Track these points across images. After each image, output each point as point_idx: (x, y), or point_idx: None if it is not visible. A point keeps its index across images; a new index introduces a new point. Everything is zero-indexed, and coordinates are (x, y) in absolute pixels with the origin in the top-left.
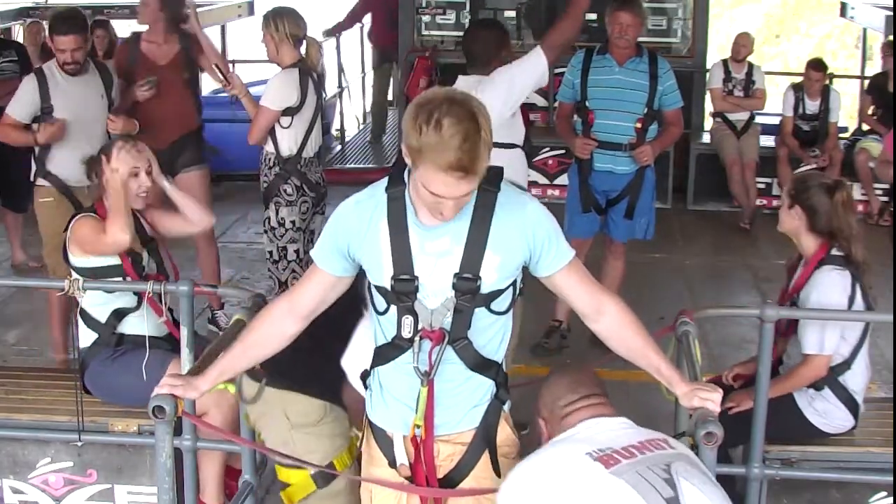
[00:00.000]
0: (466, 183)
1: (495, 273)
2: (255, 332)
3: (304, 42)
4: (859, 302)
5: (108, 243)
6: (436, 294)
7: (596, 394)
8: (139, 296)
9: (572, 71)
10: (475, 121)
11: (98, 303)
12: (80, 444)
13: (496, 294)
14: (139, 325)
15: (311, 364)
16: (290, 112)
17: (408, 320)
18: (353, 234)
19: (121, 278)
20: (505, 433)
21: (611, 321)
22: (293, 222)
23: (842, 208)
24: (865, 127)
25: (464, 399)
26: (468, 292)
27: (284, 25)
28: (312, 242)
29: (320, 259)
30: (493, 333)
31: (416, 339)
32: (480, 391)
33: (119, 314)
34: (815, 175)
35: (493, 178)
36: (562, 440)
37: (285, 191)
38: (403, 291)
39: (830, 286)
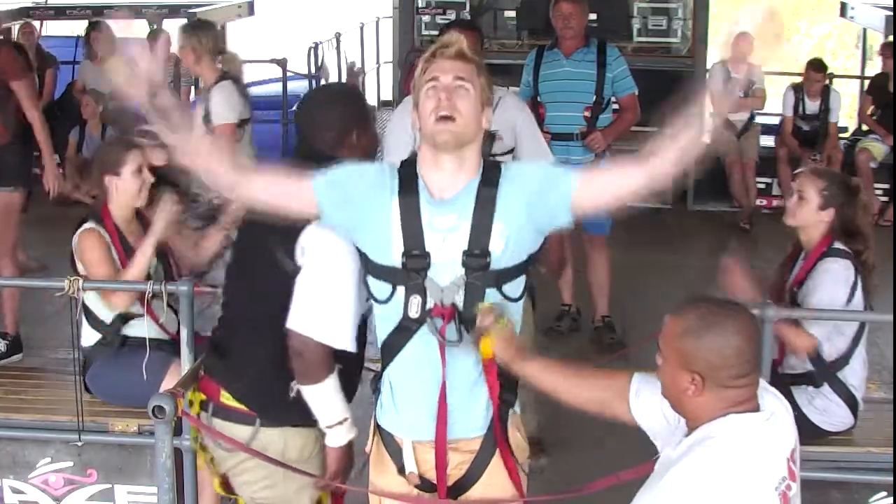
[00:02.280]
0: (461, 63)
1: (505, 246)
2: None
3: (223, 55)
4: (859, 295)
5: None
6: (445, 271)
7: (756, 372)
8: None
9: (527, 69)
10: (469, 51)
11: (105, 304)
12: (80, 444)
13: (507, 274)
14: (143, 327)
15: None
16: (243, 124)
17: (415, 300)
18: (364, 189)
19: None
20: (514, 439)
21: (648, 168)
22: None
23: (863, 212)
24: (865, 127)
25: (473, 402)
26: (478, 269)
27: (208, 39)
28: None
29: (318, 178)
30: None
31: (429, 319)
32: (488, 395)
33: (125, 317)
34: (840, 175)
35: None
36: (743, 450)
37: None
38: (415, 268)
39: (833, 279)
